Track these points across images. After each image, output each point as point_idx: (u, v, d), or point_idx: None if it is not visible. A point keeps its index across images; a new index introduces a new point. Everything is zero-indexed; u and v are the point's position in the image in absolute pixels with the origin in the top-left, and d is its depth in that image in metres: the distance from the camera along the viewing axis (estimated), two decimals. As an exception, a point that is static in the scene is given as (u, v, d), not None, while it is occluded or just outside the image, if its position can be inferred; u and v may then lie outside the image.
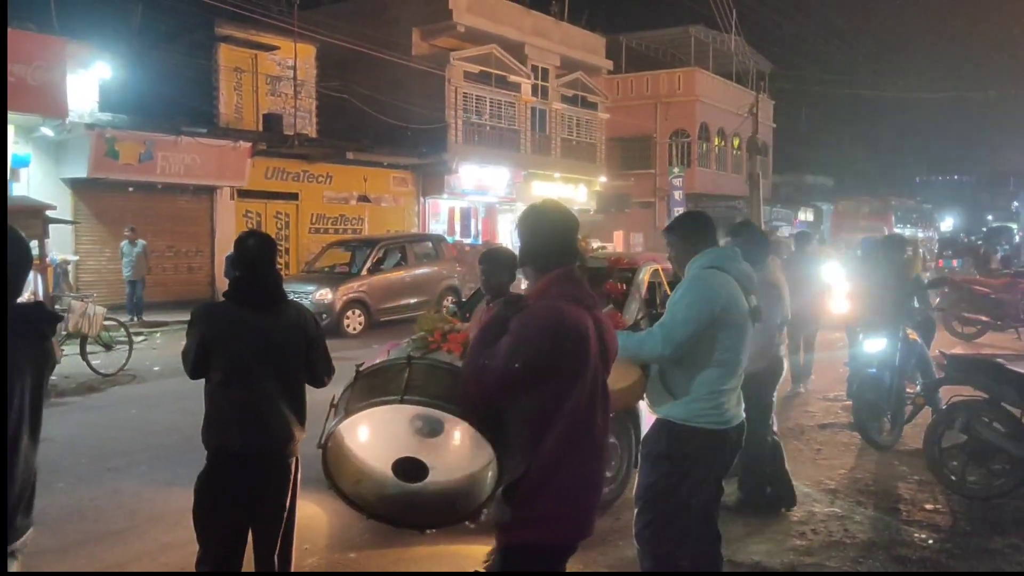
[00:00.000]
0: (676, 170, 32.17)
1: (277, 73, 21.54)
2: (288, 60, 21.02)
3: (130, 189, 17.51)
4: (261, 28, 20.43)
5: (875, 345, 7.58)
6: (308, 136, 21.29)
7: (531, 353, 2.44)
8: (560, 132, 29.29)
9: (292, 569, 3.71)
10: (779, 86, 40.45)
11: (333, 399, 2.77)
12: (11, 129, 14.63)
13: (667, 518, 3.58)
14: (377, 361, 2.89)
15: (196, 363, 3.42)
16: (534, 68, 27.74)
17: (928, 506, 5.81)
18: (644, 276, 6.55)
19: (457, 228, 26.41)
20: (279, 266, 3.81)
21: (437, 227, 24.89)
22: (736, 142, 38.01)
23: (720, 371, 3.55)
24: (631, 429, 5.75)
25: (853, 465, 6.85)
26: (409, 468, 2.70)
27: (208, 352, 3.39)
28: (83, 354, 10.34)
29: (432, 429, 2.72)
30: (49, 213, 10.87)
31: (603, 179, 31.00)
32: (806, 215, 42.95)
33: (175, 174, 17.65)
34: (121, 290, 15.72)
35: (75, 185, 16.64)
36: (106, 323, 11.02)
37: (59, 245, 14.62)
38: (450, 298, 15.67)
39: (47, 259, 11.80)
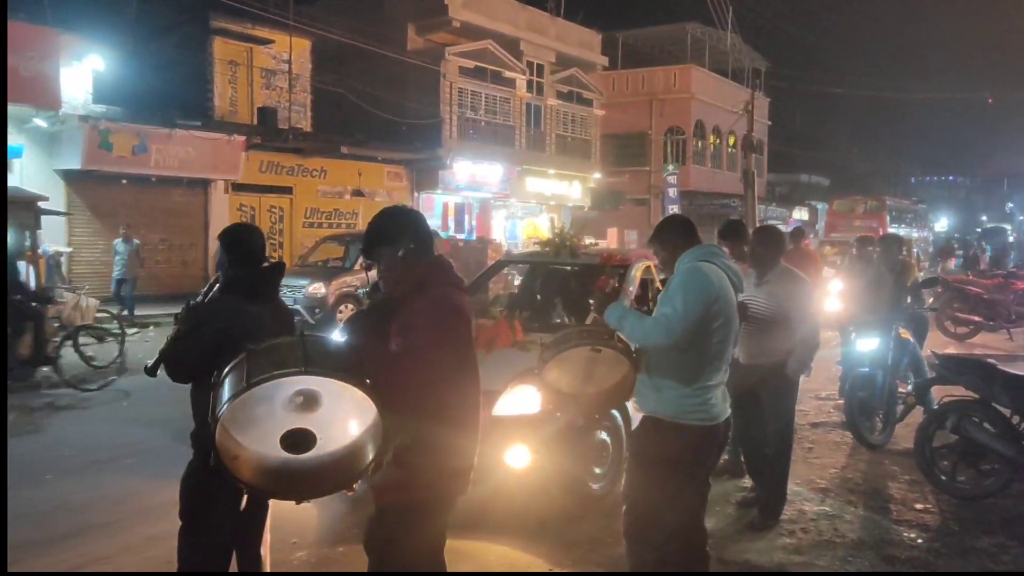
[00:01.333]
0: (671, 167, 32.14)
1: (272, 67, 21.47)
2: (283, 54, 20.96)
3: (124, 181, 17.43)
4: (256, 21, 20.33)
5: (867, 344, 7.58)
6: (302, 130, 21.24)
7: (452, 338, 2.82)
8: (555, 128, 29.25)
9: (271, 565, 3.69)
10: (775, 84, 40.49)
11: (215, 376, 2.73)
12: (3, 120, 14.56)
13: (655, 516, 3.57)
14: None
15: (206, 361, 3.14)
16: (529, 64, 27.69)
17: (918, 505, 5.82)
18: (636, 273, 6.54)
19: (451, 223, 26.35)
20: (273, 259, 3.80)
21: (431, 222, 24.55)
22: (731, 140, 38.02)
23: (709, 365, 3.54)
24: (621, 426, 5.74)
25: (844, 464, 6.86)
26: (298, 439, 2.71)
27: (223, 348, 3.14)
28: (75, 346, 10.28)
29: (310, 404, 2.74)
30: (42, 204, 10.80)
31: (597, 176, 30.98)
32: (801, 214, 42.99)
33: (169, 167, 17.58)
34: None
35: (68, 177, 16.56)
36: (98, 315, 10.95)
37: (52, 237, 14.54)
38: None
39: (39, 251, 11.73)
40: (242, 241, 3.56)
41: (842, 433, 7.67)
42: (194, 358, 3.32)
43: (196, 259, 19.30)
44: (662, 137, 35.12)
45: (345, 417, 2.74)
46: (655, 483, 3.57)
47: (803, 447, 7.30)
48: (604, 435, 5.65)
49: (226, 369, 2.73)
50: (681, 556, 3.62)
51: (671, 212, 29.30)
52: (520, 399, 5.31)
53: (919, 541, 5.15)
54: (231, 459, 2.70)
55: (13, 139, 15.11)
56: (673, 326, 3.43)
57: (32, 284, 10.55)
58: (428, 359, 2.74)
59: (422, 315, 2.78)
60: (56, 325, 10.17)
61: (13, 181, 14.93)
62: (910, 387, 7.55)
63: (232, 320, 3.35)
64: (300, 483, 2.78)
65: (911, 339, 7.72)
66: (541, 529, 5.15)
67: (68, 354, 9.93)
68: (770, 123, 41.93)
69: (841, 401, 8.17)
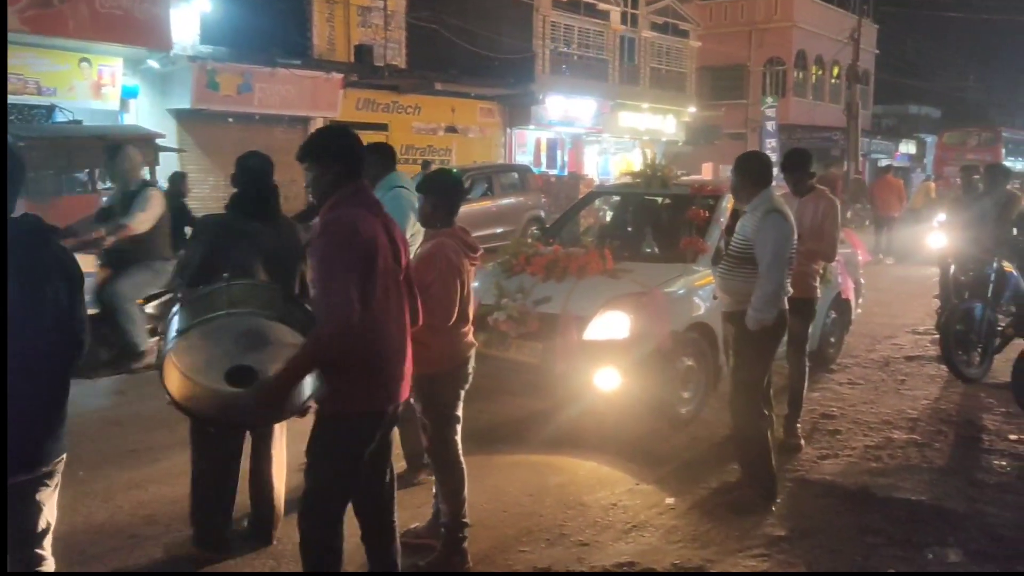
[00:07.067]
0: (769, 100, 31.12)
1: (368, 4, 21.68)
2: (379, -10, 21.14)
3: (230, 120, 18.02)
4: (352, -42, 20.54)
5: (967, 276, 7.45)
6: (398, 67, 21.48)
7: (348, 256, 2.89)
8: (649, 61, 28.68)
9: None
10: (884, 9, 38.42)
11: (157, 328, 3.07)
12: (120, 61, 15.28)
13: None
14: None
15: (199, 271, 3.63)
16: (624, -5, 27.14)
17: (1012, 436, 5.78)
18: (727, 204, 6.58)
19: (543, 159, 26.37)
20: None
21: (523, 158, 24.87)
22: (835, 70, 36.46)
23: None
24: (708, 352, 5.90)
25: (937, 396, 6.83)
26: (242, 375, 2.98)
27: (214, 259, 3.61)
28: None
29: (255, 344, 3.01)
30: (158, 141, 11.42)
31: (692, 110, 30.31)
32: (908, 147, 41.10)
33: (271, 105, 18.10)
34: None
35: (179, 116, 17.24)
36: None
37: (165, 174, 15.29)
38: (535, 228, 15.83)
39: (157, 185, 12.40)
40: (243, 166, 4.10)
41: (938, 366, 7.60)
42: (192, 266, 3.78)
43: (298, 194, 19.71)
44: (761, 69, 34.00)
45: (285, 356, 2.96)
46: None
47: (896, 379, 7.29)
48: (690, 360, 5.81)
49: (174, 309, 3.10)
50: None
51: (769, 146, 28.61)
52: (609, 324, 5.50)
53: (1009, 469, 5.16)
54: (182, 394, 3.05)
55: (128, 80, 15.86)
56: None
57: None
58: (330, 279, 2.88)
59: (318, 237, 2.99)
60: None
61: (129, 120, 15.77)
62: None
63: (226, 233, 3.86)
64: (246, 413, 3.10)
65: (1015, 272, 7.53)
66: (630, 448, 5.38)
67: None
68: (878, 52, 39.94)
69: (939, 336, 8.06)
